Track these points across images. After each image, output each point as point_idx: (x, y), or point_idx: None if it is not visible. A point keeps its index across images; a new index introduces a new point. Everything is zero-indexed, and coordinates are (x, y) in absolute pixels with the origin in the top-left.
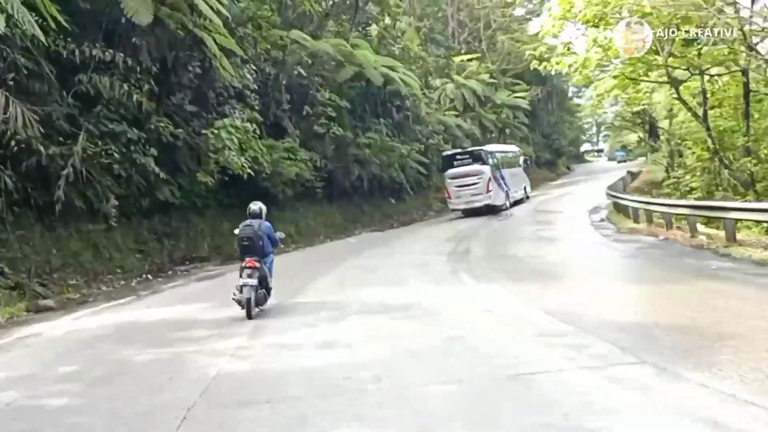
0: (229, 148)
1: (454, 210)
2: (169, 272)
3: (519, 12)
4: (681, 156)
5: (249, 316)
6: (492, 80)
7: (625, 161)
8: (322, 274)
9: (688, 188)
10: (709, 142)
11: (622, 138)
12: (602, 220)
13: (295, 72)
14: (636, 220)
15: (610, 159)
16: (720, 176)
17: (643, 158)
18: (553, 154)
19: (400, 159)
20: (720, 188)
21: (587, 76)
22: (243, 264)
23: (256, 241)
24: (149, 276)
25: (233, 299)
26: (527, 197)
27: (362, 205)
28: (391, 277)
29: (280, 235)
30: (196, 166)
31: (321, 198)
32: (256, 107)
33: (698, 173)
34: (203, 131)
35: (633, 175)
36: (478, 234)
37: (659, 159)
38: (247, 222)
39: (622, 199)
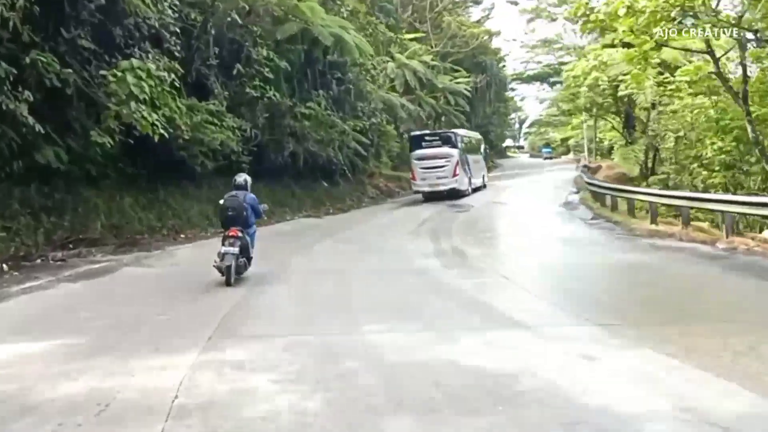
0: (137, 100)
1: (417, 192)
2: (38, 260)
3: None
4: (658, 150)
5: (228, 283)
6: (434, 62)
7: (551, 158)
8: (266, 281)
9: (702, 185)
10: (749, 130)
11: (546, 136)
12: (594, 217)
13: (228, 20)
14: (653, 221)
15: (533, 156)
16: (752, 172)
17: (568, 155)
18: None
19: (340, 137)
20: (743, 187)
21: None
22: (226, 233)
23: (240, 212)
24: (5, 265)
25: (214, 266)
26: (485, 185)
27: (292, 186)
28: (387, 297)
29: (264, 207)
30: (92, 123)
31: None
32: (177, 55)
33: (717, 167)
34: (102, 72)
35: (591, 170)
36: (448, 227)
37: (636, 152)
38: (233, 193)
39: (638, 193)
